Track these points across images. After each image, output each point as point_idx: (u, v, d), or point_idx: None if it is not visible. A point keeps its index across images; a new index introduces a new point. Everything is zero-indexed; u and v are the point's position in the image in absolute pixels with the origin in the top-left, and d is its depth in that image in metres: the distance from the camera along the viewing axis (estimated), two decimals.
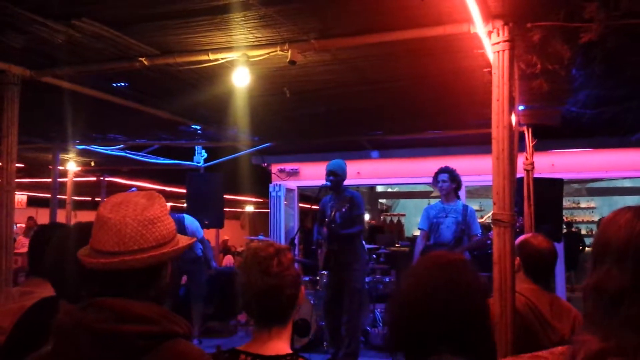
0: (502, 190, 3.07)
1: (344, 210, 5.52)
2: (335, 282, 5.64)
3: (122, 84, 4.68)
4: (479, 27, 3.12)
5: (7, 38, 3.42)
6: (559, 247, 8.11)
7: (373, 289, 6.99)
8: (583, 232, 13.31)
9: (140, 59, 3.81)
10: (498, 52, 3.13)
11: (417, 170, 8.73)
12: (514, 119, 3.31)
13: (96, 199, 11.26)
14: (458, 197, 5.79)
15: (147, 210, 1.32)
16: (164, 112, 5.58)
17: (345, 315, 5.53)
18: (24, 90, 4.01)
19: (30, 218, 10.90)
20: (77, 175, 9.08)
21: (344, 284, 5.54)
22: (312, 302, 6.51)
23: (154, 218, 1.32)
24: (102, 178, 10.29)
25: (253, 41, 3.58)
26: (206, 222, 7.68)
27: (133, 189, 6.86)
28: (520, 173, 5.76)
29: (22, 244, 8.37)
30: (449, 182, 5.61)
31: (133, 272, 1.28)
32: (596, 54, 3.42)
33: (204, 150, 8.95)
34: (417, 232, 13.64)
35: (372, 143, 8.06)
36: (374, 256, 7.62)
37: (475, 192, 12.70)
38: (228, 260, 11.18)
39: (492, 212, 3.14)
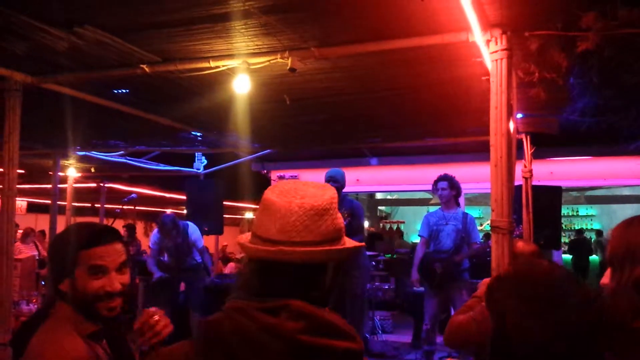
0: (500, 197, 3.10)
1: (345, 223, 5.51)
2: (337, 290, 5.64)
3: (123, 91, 4.71)
4: (477, 35, 3.16)
5: (10, 44, 3.44)
6: (558, 254, 8.13)
7: (373, 296, 6.99)
8: None
9: (141, 66, 3.84)
10: (496, 60, 3.17)
11: (417, 177, 8.75)
12: (512, 126, 3.34)
13: (96, 205, 11.25)
14: (458, 205, 5.81)
15: (316, 199, 1.16)
16: (164, 119, 5.61)
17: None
18: (25, 96, 4.04)
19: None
20: (77, 181, 9.10)
21: (346, 291, 5.55)
22: None
23: (322, 209, 1.15)
24: (102, 184, 10.31)
25: (254, 49, 3.61)
26: (205, 229, 7.70)
27: (133, 195, 6.88)
28: (518, 180, 5.79)
29: (20, 251, 8.38)
30: (448, 189, 5.62)
31: (291, 266, 1.12)
32: (593, 63, 3.45)
33: (204, 157, 8.98)
34: (417, 240, 13.63)
35: (371, 150, 8.08)
36: (373, 263, 7.63)
37: (475, 200, 12.73)
38: (230, 267, 11.18)
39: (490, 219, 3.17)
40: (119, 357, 1.68)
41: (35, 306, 5.66)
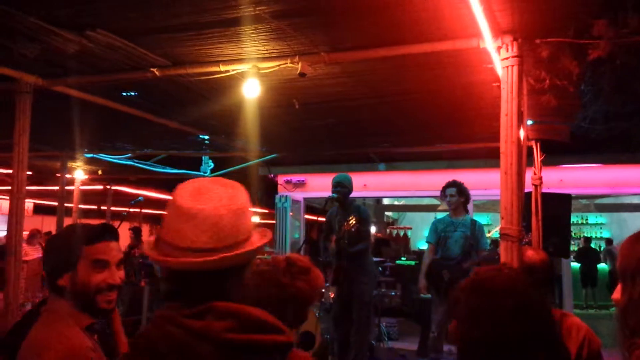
0: (510, 205, 3.07)
1: (353, 230, 5.48)
2: (344, 297, 5.62)
3: (132, 94, 4.72)
4: (488, 42, 3.14)
5: (21, 47, 3.46)
6: (567, 262, 8.06)
7: (379, 302, 6.95)
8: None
9: (152, 69, 3.85)
10: (507, 67, 3.15)
11: (424, 183, 8.72)
12: (522, 133, 3.32)
13: (102, 207, 11.30)
14: (467, 211, 5.76)
15: (236, 199, 1.15)
16: (173, 122, 5.62)
17: (353, 329, 5.51)
18: (35, 97, 4.05)
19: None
20: (83, 183, 9.14)
21: (353, 298, 5.53)
22: (316, 314, 6.48)
23: (244, 208, 1.16)
24: (108, 187, 10.35)
25: (264, 53, 3.62)
26: None
27: (139, 197, 6.89)
28: (528, 187, 5.74)
29: (26, 252, 8.40)
30: (457, 196, 5.58)
31: (226, 271, 1.11)
32: (605, 71, 3.42)
33: (210, 160, 9.00)
34: (424, 246, 13.52)
35: (379, 156, 8.06)
36: (380, 269, 7.59)
37: (483, 207, 12.65)
38: None
39: (499, 226, 3.14)
40: (108, 351, 1.74)
41: None
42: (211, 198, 1.12)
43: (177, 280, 1.12)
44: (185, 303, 1.09)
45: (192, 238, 1.09)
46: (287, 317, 1.80)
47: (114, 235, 1.76)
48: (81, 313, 1.65)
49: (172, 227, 1.12)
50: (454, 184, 5.64)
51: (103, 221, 9.28)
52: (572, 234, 12.32)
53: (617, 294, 1.45)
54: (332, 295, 5.92)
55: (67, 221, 8.25)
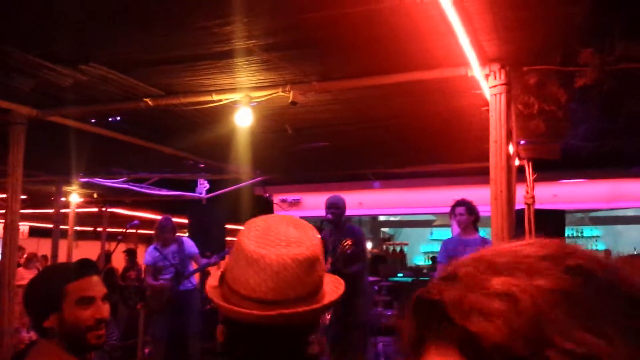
0: (500, 230, 3.10)
1: (348, 252, 5.45)
2: (341, 318, 5.61)
3: (126, 122, 4.75)
4: (476, 70, 3.20)
5: (17, 82, 3.50)
6: None
7: (375, 322, 6.93)
8: None
9: (145, 99, 3.89)
10: (495, 95, 3.20)
11: (420, 200, 8.75)
12: (511, 149, 3.34)
13: (98, 228, 11.26)
14: (477, 230, 5.68)
15: (307, 247, 1.03)
16: (168, 148, 5.65)
17: (350, 350, 5.50)
18: (29, 125, 4.08)
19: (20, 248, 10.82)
20: (79, 205, 9.13)
21: (349, 319, 5.52)
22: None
23: (314, 258, 1.04)
24: (104, 209, 10.34)
25: (256, 83, 3.66)
26: (207, 253, 7.68)
27: (135, 222, 6.86)
28: (521, 205, 5.77)
29: (22, 276, 8.34)
30: (466, 214, 5.43)
31: (285, 328, 1.02)
32: (592, 96, 3.48)
33: (206, 181, 9.01)
34: (420, 262, 13.44)
35: (374, 173, 8.10)
36: (376, 288, 7.58)
37: (480, 222, 12.65)
38: None
39: None
40: None
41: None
42: (277, 242, 1.02)
43: (233, 330, 1.04)
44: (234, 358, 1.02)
45: (253, 286, 1.00)
46: None
47: (94, 269, 1.76)
48: (68, 353, 1.63)
49: (234, 270, 1.04)
50: (463, 202, 5.46)
51: (99, 242, 9.15)
52: None
53: None
54: (328, 317, 5.92)
55: (63, 243, 8.22)
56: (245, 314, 0.99)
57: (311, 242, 1.05)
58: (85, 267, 1.72)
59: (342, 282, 1.15)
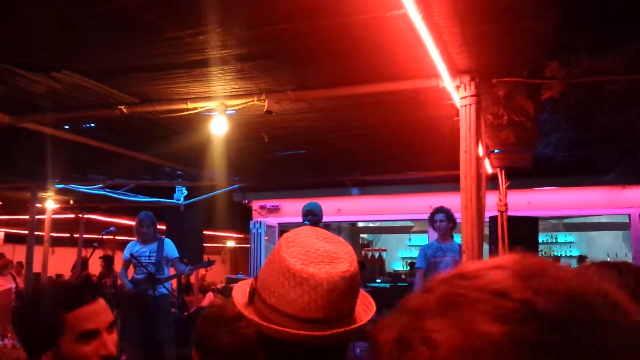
0: (470, 239, 3.17)
1: None
2: None
3: (102, 129, 4.73)
4: (447, 82, 3.27)
5: None
6: None
7: None
8: None
9: (120, 107, 3.88)
10: (465, 106, 3.27)
11: (398, 206, 8.83)
12: (481, 151, 3.40)
13: (74, 235, 11.12)
14: (452, 237, 5.78)
15: (348, 263, 1.02)
16: (144, 155, 5.63)
17: None
18: (3, 132, 4.04)
19: (1, 255, 10.61)
20: (55, 212, 9.01)
21: None
22: None
23: (355, 273, 1.02)
24: (80, 215, 10.22)
25: (231, 91, 3.69)
26: (185, 260, 7.62)
27: (111, 228, 6.80)
28: (495, 212, 5.89)
29: None
30: (446, 221, 5.53)
31: (329, 348, 0.99)
32: (560, 108, 3.57)
33: (184, 188, 8.97)
34: (399, 268, 13.51)
35: (352, 180, 8.16)
36: None
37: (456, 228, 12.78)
38: (209, 297, 11.02)
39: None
40: None
41: (11, 341, 5.53)
42: (319, 259, 1.00)
43: (276, 351, 1.01)
44: None
45: (302, 305, 0.97)
46: None
47: (95, 292, 1.45)
48: None
49: (276, 289, 1.00)
50: (442, 210, 5.55)
51: (75, 249, 8.88)
52: (543, 253, 12.52)
53: None
54: None
55: (38, 249, 8.09)
56: (300, 336, 0.96)
57: (350, 256, 1.03)
58: (85, 290, 1.42)
59: (371, 300, 1.15)
